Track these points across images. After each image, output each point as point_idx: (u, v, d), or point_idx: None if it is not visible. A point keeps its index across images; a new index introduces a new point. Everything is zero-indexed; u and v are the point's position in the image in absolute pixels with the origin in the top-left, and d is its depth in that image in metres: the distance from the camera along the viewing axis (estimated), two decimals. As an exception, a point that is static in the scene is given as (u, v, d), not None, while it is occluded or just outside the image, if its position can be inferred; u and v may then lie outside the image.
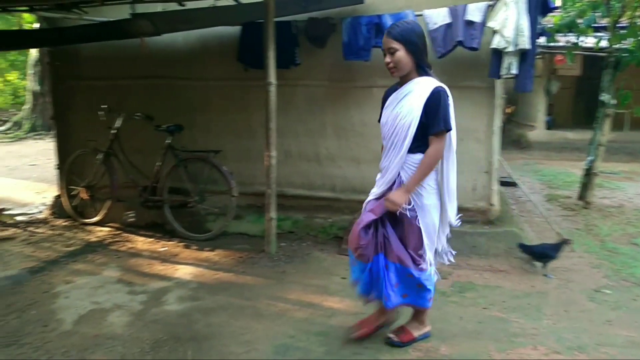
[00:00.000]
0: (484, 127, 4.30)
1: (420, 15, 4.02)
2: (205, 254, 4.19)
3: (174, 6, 4.18)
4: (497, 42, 3.78)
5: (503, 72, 3.85)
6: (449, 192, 2.56)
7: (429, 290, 2.59)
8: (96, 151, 4.81)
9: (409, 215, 2.51)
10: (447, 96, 2.45)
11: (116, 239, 4.56)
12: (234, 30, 4.60)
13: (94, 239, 4.56)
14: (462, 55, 4.06)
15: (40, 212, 5.58)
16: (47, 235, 4.65)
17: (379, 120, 2.65)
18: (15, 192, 6.66)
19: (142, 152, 4.81)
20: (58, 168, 5.30)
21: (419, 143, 2.46)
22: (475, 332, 2.86)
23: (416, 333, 2.72)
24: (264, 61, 3.92)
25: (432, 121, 2.41)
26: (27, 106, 13.81)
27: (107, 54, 5.00)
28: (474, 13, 3.87)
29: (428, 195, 2.51)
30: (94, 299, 3.28)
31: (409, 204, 2.50)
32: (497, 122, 4.31)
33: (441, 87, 2.44)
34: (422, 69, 2.49)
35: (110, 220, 4.94)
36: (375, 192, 2.64)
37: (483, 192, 4.37)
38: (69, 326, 2.92)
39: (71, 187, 5.01)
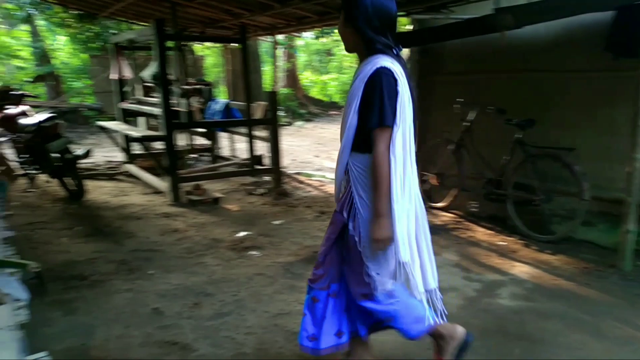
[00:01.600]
0: None
1: None
2: (545, 256, 3.99)
3: (539, -3, 4.05)
4: None
5: None
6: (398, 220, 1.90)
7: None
8: (448, 142, 5.15)
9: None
10: (393, 79, 1.87)
11: (458, 226, 4.81)
12: (602, 16, 4.11)
13: (438, 222, 4.93)
14: None
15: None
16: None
17: None
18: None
19: (491, 145, 4.89)
20: (416, 154, 5.91)
21: (365, 137, 1.93)
22: None
23: None
24: (643, 49, 3.39)
25: (367, 113, 1.88)
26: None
27: (467, 50, 5.25)
28: None
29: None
30: (433, 276, 3.58)
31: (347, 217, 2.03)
32: None
33: (384, 67, 1.86)
34: (373, 46, 1.93)
35: (454, 207, 5.24)
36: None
37: None
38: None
39: (424, 172, 5.53)
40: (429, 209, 5.35)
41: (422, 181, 5.54)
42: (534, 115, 4.55)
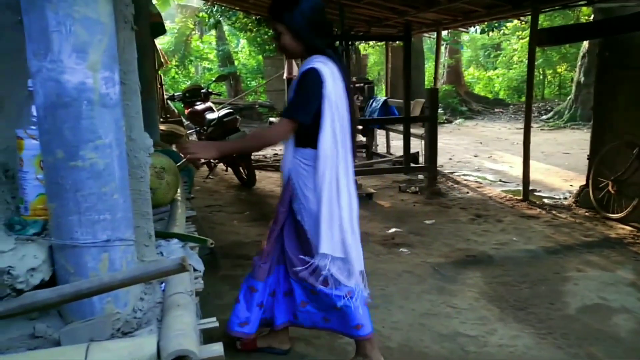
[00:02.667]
0: None
1: None
2: None
3: None
4: None
5: None
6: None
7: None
8: (632, 145, 4.56)
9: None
10: (319, 80, 1.97)
11: (637, 241, 4.23)
12: None
13: (613, 235, 4.40)
14: None
15: (565, 198, 5.84)
16: (567, 222, 4.84)
17: None
18: (546, 176, 7.19)
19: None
20: (589, 158, 5.35)
21: (308, 132, 2.03)
22: None
23: None
24: None
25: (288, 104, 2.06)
26: (570, 97, 14.34)
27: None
28: None
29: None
30: (602, 294, 3.23)
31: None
32: None
33: (313, 68, 1.98)
34: (310, 49, 2.03)
35: (635, 219, 4.61)
36: None
37: None
38: (572, 311, 3.02)
39: (599, 179, 4.97)
40: (603, 219, 4.81)
41: (597, 188, 4.99)
42: None
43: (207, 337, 1.26)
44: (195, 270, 1.50)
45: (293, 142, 2.11)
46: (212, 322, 1.18)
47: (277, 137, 2.08)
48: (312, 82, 1.98)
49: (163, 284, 1.21)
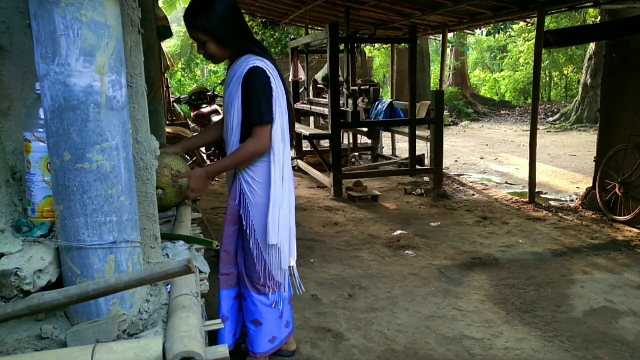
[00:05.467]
0: None
1: None
2: None
3: None
4: None
5: None
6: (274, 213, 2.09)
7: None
8: (639, 147, 4.53)
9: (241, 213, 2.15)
10: (266, 77, 1.99)
11: (645, 243, 4.22)
12: None
13: (620, 238, 4.37)
14: None
15: (572, 200, 5.81)
16: (574, 224, 4.82)
17: None
18: (553, 178, 7.16)
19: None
20: (595, 160, 5.32)
21: (249, 133, 2.04)
22: None
23: None
24: None
25: (247, 111, 2.00)
26: (576, 98, 14.28)
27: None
28: None
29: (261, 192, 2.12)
30: (609, 297, 3.21)
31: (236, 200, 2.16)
32: None
33: (256, 66, 1.97)
34: (240, 48, 2.02)
35: (642, 221, 4.59)
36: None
37: None
38: (579, 314, 3.00)
39: (606, 181, 4.95)
40: (609, 221, 4.78)
41: (604, 190, 4.96)
42: None
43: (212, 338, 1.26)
44: (200, 272, 1.51)
45: (237, 144, 2.08)
46: (217, 324, 1.18)
47: (263, 146, 2.03)
48: (263, 81, 1.98)
49: (169, 286, 1.22)
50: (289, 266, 2.24)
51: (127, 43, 1.20)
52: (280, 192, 2.10)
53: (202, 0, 1.95)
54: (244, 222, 2.15)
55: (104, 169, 1.02)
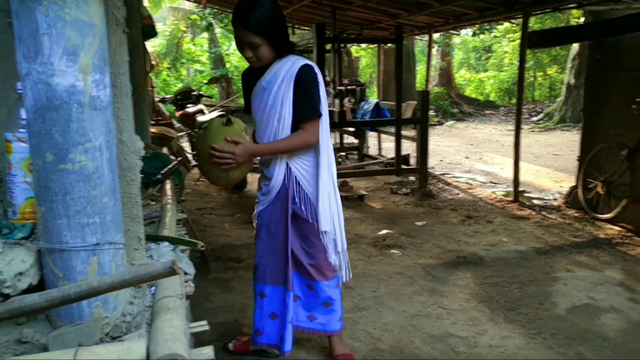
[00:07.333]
0: None
1: None
2: None
3: None
4: None
5: None
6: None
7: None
8: (621, 146, 4.60)
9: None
10: (315, 74, 2.09)
11: (626, 241, 4.28)
12: None
13: (602, 236, 4.44)
14: None
15: (555, 199, 5.89)
16: (557, 222, 4.88)
17: (245, 110, 2.32)
18: (536, 177, 7.25)
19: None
20: (578, 160, 5.40)
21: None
22: None
23: None
24: None
25: (301, 106, 2.06)
26: (560, 98, 14.47)
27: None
28: None
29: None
30: (591, 294, 3.26)
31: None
32: None
33: (308, 64, 2.07)
34: (286, 49, 2.08)
35: (623, 219, 4.66)
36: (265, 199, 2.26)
37: None
38: (561, 311, 3.04)
39: (589, 180, 5.02)
40: (592, 220, 4.86)
41: (587, 189, 5.04)
42: None
43: (198, 340, 1.26)
44: (185, 273, 1.50)
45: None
46: (202, 326, 1.18)
47: (314, 139, 2.12)
48: (314, 78, 2.07)
49: (153, 288, 1.21)
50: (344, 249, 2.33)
51: (112, 42, 1.18)
52: (328, 181, 2.19)
53: (257, 2, 1.94)
54: (304, 213, 2.20)
55: (87, 169, 1.01)
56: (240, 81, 2.40)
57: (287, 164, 2.18)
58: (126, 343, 0.95)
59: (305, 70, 2.05)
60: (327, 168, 2.17)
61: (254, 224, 2.37)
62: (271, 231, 2.27)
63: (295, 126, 2.11)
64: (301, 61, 2.07)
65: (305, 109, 2.07)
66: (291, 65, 2.06)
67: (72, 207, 1.00)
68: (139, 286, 1.18)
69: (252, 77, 2.20)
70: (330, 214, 2.20)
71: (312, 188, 2.19)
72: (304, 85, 2.05)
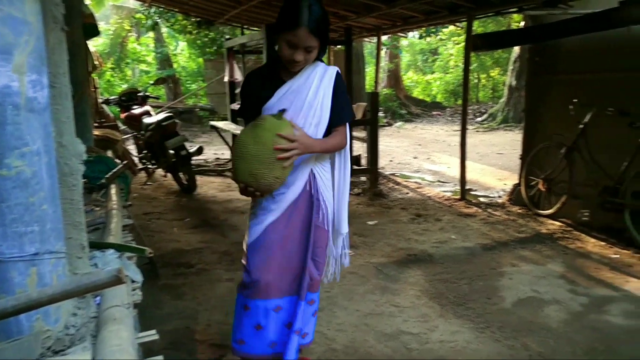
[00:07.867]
0: None
1: None
2: (668, 275, 3.60)
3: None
4: None
5: None
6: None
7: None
8: (560, 145, 4.84)
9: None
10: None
11: (566, 235, 4.50)
12: None
13: (544, 231, 4.65)
14: None
15: (500, 197, 6.12)
16: (502, 219, 5.07)
17: (244, 112, 2.24)
18: (482, 176, 7.50)
19: (609, 150, 4.50)
20: (521, 158, 5.62)
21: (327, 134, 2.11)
22: None
23: None
24: None
25: (341, 110, 2.09)
26: (502, 100, 15.05)
27: (587, 47, 4.86)
28: None
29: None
30: (535, 288, 3.40)
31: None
32: None
33: (339, 70, 2.11)
34: (322, 54, 2.06)
35: (563, 215, 4.91)
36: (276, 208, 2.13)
37: None
38: (508, 305, 3.16)
39: (531, 177, 5.24)
40: (534, 216, 5.08)
41: (529, 186, 5.26)
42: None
43: (147, 349, 1.21)
44: (132, 281, 1.45)
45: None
46: (151, 335, 1.14)
47: (346, 142, 2.16)
48: (345, 83, 2.15)
49: (98, 298, 1.16)
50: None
51: (50, 41, 1.12)
52: (344, 185, 2.22)
53: (319, 7, 1.91)
54: (320, 219, 2.15)
55: (24, 175, 0.95)
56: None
57: (312, 170, 2.12)
58: (69, 357, 0.90)
59: (340, 76, 2.11)
60: (344, 172, 2.22)
61: (244, 247, 2.24)
62: (287, 244, 2.14)
63: (328, 130, 2.10)
64: (331, 67, 2.09)
65: (343, 114, 2.11)
66: (323, 70, 2.06)
67: (8, 215, 0.94)
68: (83, 296, 1.13)
69: (263, 80, 2.10)
70: (346, 217, 2.28)
71: (329, 194, 2.18)
72: (342, 90, 2.10)
